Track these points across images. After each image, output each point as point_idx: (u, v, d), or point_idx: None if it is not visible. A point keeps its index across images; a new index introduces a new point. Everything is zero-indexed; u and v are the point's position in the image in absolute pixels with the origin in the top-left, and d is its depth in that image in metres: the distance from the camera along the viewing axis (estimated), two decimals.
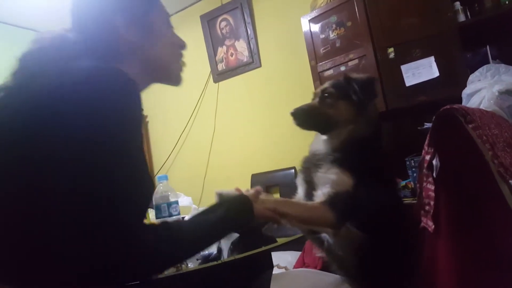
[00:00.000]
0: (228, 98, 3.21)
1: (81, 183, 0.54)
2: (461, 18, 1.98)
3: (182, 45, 0.87)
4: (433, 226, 0.69)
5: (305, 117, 1.11)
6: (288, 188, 2.49)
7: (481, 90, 1.80)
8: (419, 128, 1.98)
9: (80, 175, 0.54)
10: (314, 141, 1.15)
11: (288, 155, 2.77)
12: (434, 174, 0.70)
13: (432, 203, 0.70)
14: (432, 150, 0.71)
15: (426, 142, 0.74)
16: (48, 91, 0.59)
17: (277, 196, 2.80)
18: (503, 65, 1.84)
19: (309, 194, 1.02)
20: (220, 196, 0.96)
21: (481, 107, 1.78)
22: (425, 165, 0.73)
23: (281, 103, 2.90)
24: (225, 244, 1.44)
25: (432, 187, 0.70)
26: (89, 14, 0.75)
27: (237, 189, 0.92)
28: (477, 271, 0.64)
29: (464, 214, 0.67)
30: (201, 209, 0.84)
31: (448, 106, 0.69)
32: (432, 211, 0.70)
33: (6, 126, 0.60)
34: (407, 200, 1.98)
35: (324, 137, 1.10)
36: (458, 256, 0.66)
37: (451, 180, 0.69)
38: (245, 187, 3.04)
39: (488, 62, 1.97)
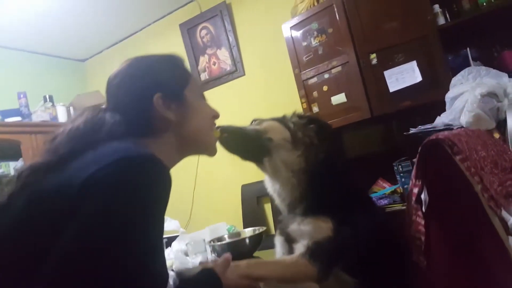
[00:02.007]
0: (213, 107, 3.16)
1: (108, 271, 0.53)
2: (441, 21, 1.99)
3: (215, 116, 0.87)
4: (425, 263, 0.67)
5: (230, 132, 1.02)
6: None
7: (464, 93, 1.81)
8: (405, 134, 1.97)
9: (107, 264, 0.53)
10: (273, 194, 1.08)
11: None
12: (423, 209, 0.68)
13: (422, 238, 0.68)
14: (420, 182, 0.69)
15: (413, 174, 0.72)
16: (84, 183, 0.57)
17: (268, 206, 2.79)
18: (483, 67, 1.85)
19: (289, 248, 0.99)
20: (180, 276, 0.89)
21: (465, 110, 1.79)
22: (414, 198, 0.71)
23: (267, 112, 2.84)
24: None
25: (422, 222, 0.69)
26: (126, 93, 0.76)
27: (202, 263, 0.85)
28: None
29: (455, 249, 0.65)
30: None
31: (433, 137, 0.68)
32: (423, 246, 0.68)
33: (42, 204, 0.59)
34: (397, 206, 1.98)
35: (277, 186, 1.03)
36: None
37: (441, 214, 0.67)
38: (236, 198, 3.02)
39: (468, 64, 1.98)
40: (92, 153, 0.63)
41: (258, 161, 1.06)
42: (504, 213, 0.65)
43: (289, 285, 0.91)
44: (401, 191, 2.08)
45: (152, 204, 0.58)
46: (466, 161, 0.65)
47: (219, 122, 0.92)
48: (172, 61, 0.83)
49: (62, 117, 3.12)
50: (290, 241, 0.99)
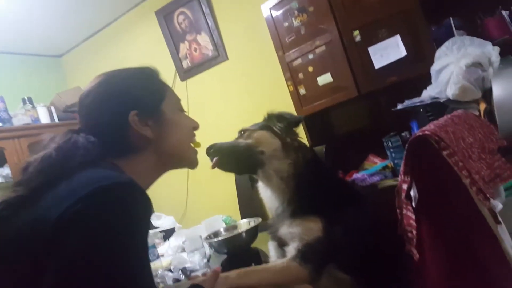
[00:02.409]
0: (199, 95, 3.11)
1: None
2: None
3: (195, 127, 0.85)
4: (418, 256, 0.68)
5: (222, 151, 1.04)
6: None
7: (449, 65, 1.80)
8: (392, 109, 1.97)
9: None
10: (263, 197, 1.10)
11: None
12: (413, 204, 0.68)
13: (414, 232, 0.69)
14: (409, 178, 0.69)
15: (402, 169, 0.71)
16: (58, 219, 0.54)
17: None
18: (467, 37, 1.83)
19: (281, 252, 1.00)
20: None
21: (451, 82, 1.78)
22: (403, 194, 0.71)
23: (253, 95, 2.84)
24: (215, 263, 1.42)
25: (413, 216, 0.69)
26: (100, 113, 0.73)
27: (191, 278, 0.85)
28: None
29: (447, 241, 0.66)
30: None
31: (420, 133, 0.67)
32: (415, 240, 0.69)
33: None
34: (388, 182, 2.01)
35: (268, 189, 1.05)
36: (446, 282, 0.65)
37: (431, 208, 0.67)
38: (230, 186, 3.02)
39: (452, 34, 1.96)
40: (65, 184, 0.60)
41: (253, 173, 1.08)
42: (493, 202, 0.65)
43: None
44: (392, 166, 2.10)
45: (132, 232, 0.57)
46: (454, 155, 0.64)
47: (199, 131, 0.90)
48: (146, 74, 0.80)
49: (44, 119, 3.04)
50: (282, 244, 1.00)
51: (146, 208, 0.61)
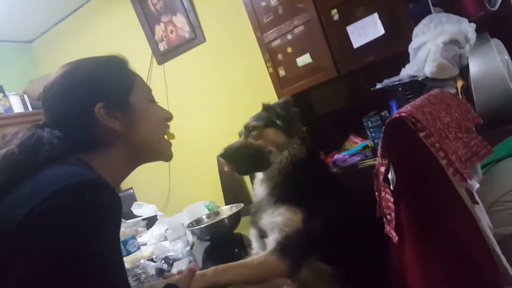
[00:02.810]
0: (177, 79, 3.03)
1: None
2: None
3: (168, 118, 0.82)
4: (397, 238, 0.69)
5: (237, 155, 1.05)
6: None
7: (426, 43, 1.80)
8: (371, 89, 1.97)
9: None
10: (254, 188, 1.10)
11: None
12: (391, 187, 0.68)
13: (393, 214, 0.69)
14: (386, 161, 0.69)
15: (379, 152, 0.71)
16: (22, 221, 0.52)
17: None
18: (444, 14, 1.83)
19: (263, 243, 0.99)
20: None
21: (428, 60, 1.79)
22: (381, 177, 0.71)
23: (233, 78, 2.79)
24: (198, 250, 1.42)
25: (391, 199, 0.69)
26: (64, 106, 0.69)
27: (165, 276, 0.83)
28: (443, 276, 0.65)
29: (425, 222, 0.66)
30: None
31: (396, 115, 0.66)
32: (394, 222, 0.69)
33: None
34: (369, 161, 2.03)
35: (260, 176, 1.06)
36: (424, 264, 0.66)
37: (409, 190, 0.67)
38: (214, 170, 2.99)
39: (430, 11, 1.95)
40: (30, 182, 0.58)
41: (262, 171, 1.08)
42: (470, 182, 0.66)
43: (260, 286, 0.91)
44: (372, 145, 2.12)
45: (98, 231, 0.55)
46: (430, 137, 0.64)
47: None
48: (112, 64, 0.76)
49: (17, 108, 2.93)
50: (262, 235, 1.00)
51: (113, 206, 0.59)
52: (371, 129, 2.08)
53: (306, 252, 0.89)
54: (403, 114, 0.64)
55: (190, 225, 1.43)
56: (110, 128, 0.70)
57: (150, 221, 1.96)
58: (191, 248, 1.40)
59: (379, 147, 0.70)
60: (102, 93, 0.70)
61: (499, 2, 1.77)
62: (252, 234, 1.06)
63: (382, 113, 2.12)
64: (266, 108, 1.12)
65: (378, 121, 2.06)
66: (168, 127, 0.83)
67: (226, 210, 1.50)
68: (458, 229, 0.64)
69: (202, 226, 1.35)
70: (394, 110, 2.11)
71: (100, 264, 0.53)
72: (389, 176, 0.67)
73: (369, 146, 2.15)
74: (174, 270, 1.14)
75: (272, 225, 0.93)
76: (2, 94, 2.89)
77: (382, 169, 0.70)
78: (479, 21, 1.74)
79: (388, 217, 0.71)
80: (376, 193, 0.75)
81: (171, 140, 0.84)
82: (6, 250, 0.51)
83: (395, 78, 1.93)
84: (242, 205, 1.42)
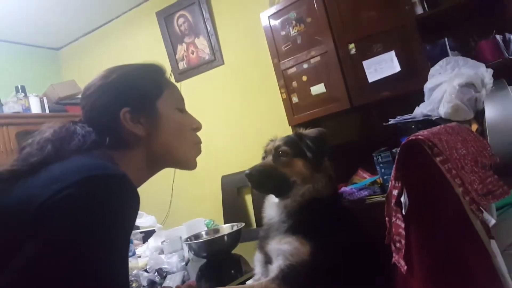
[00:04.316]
0: (191, 97, 3.06)
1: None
2: (419, 10, 1.97)
3: (196, 127, 0.84)
4: (406, 267, 0.65)
5: (261, 178, 1.06)
6: None
7: (442, 84, 1.81)
8: (384, 124, 1.97)
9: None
10: (266, 207, 1.09)
11: (259, 154, 2.71)
12: (403, 211, 0.66)
13: (403, 242, 0.66)
14: (399, 184, 0.67)
15: (393, 175, 0.69)
16: (45, 202, 0.53)
17: (249, 197, 2.76)
18: (461, 57, 1.85)
19: (266, 269, 0.97)
20: None
21: (443, 101, 1.79)
22: (393, 200, 0.68)
23: (246, 101, 2.82)
24: (193, 268, 1.37)
25: (402, 225, 0.66)
26: (95, 106, 0.74)
27: (164, 287, 0.82)
28: None
29: (437, 253, 0.63)
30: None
31: (413, 137, 0.65)
32: (403, 250, 0.66)
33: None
34: (377, 197, 1.99)
35: (276, 200, 1.06)
36: None
37: (421, 217, 0.65)
38: (216, 190, 2.98)
39: (446, 54, 1.98)
40: (58, 166, 0.60)
41: (280, 197, 1.08)
42: (486, 215, 0.63)
43: None
44: (381, 181, 2.08)
45: (117, 225, 0.55)
46: (447, 162, 0.62)
47: (202, 131, 0.87)
48: (145, 71, 0.79)
49: (35, 108, 2.98)
50: (267, 261, 0.98)
51: (134, 204, 0.60)
52: (381, 165, 2.06)
53: (307, 285, 0.86)
54: (420, 137, 0.63)
55: (188, 239, 1.40)
56: (132, 132, 0.72)
57: (147, 235, 1.92)
58: (186, 264, 1.35)
59: (392, 170, 0.69)
60: (129, 98, 0.73)
61: None
62: (257, 259, 1.04)
63: (393, 150, 2.10)
64: (299, 135, 1.12)
65: (389, 157, 2.03)
66: (196, 136, 0.84)
67: (227, 228, 1.46)
68: (472, 264, 0.61)
69: (201, 240, 1.31)
70: None
71: (108, 257, 0.53)
72: (402, 199, 0.65)
73: (378, 182, 2.11)
74: (167, 282, 1.10)
75: (278, 252, 0.92)
76: (23, 94, 2.96)
77: (395, 192, 0.68)
78: (496, 67, 1.76)
79: (398, 244, 0.68)
80: (387, 218, 0.72)
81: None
82: (23, 228, 0.52)
83: (408, 116, 1.93)
84: (243, 224, 1.39)
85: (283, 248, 0.91)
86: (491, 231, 0.71)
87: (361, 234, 1.01)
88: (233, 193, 2.75)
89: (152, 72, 0.80)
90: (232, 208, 2.72)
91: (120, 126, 0.71)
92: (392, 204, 0.69)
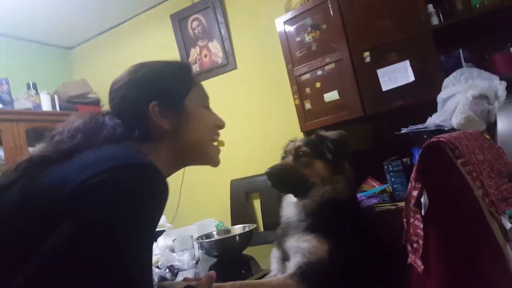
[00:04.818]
0: None
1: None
2: (434, 21, 1.98)
3: (219, 125, 0.86)
4: (422, 267, 0.66)
5: (281, 178, 1.08)
6: (269, 194, 2.46)
7: (456, 95, 1.82)
8: (396, 133, 1.97)
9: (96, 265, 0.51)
10: (284, 206, 1.11)
11: (268, 159, 2.68)
12: (422, 212, 0.66)
13: (421, 242, 0.67)
14: (420, 185, 0.68)
15: (413, 176, 0.70)
16: (79, 185, 0.55)
17: (257, 202, 2.77)
18: (475, 69, 1.86)
19: (282, 266, 0.98)
20: None
21: (456, 111, 1.79)
22: (413, 201, 0.69)
23: (258, 106, 2.84)
24: (203, 267, 1.38)
25: (421, 225, 0.67)
26: (124, 99, 0.76)
27: (186, 279, 0.84)
28: None
29: (454, 254, 0.64)
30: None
31: (435, 139, 0.66)
32: (421, 250, 0.66)
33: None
34: (386, 206, 1.98)
35: (294, 200, 1.07)
36: None
37: (440, 218, 0.66)
38: (225, 193, 2.98)
39: (461, 65, 1.99)
40: (91, 153, 0.62)
41: (299, 196, 1.09)
42: (503, 219, 0.64)
43: None
44: (390, 190, 2.08)
45: (147, 215, 0.57)
46: (468, 165, 0.63)
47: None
48: (174, 68, 0.82)
49: (46, 106, 3.02)
50: (284, 258, 0.99)
51: (165, 195, 0.61)
52: (392, 174, 2.05)
53: (324, 283, 0.87)
54: (442, 139, 0.64)
55: (200, 238, 1.41)
56: (159, 126, 0.74)
57: (156, 235, 1.94)
58: (196, 263, 1.36)
59: (413, 171, 0.70)
60: (158, 93, 0.75)
61: None
62: (273, 255, 1.05)
63: (404, 160, 2.10)
64: (319, 137, 1.13)
65: (399, 166, 2.03)
66: (218, 134, 0.86)
67: (238, 229, 1.47)
68: (488, 266, 0.61)
69: (212, 239, 1.32)
70: (415, 157, 2.10)
71: (136, 243, 0.55)
72: (422, 200, 0.65)
73: (387, 190, 2.11)
74: (179, 279, 1.11)
75: (296, 249, 0.93)
76: (34, 91, 3.00)
77: (415, 193, 0.69)
78: (510, 80, 1.76)
79: (415, 245, 0.69)
80: (404, 219, 0.73)
81: (220, 147, 0.86)
82: (57, 208, 0.54)
83: (420, 125, 1.93)
84: (255, 225, 1.40)
85: (301, 246, 0.92)
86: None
87: (376, 236, 1.02)
88: (241, 197, 2.76)
89: (180, 69, 0.83)
90: (240, 212, 2.72)
91: (148, 119, 0.73)
92: (411, 204, 0.70)
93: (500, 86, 1.75)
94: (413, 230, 0.70)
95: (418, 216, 0.68)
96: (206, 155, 0.82)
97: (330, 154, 1.05)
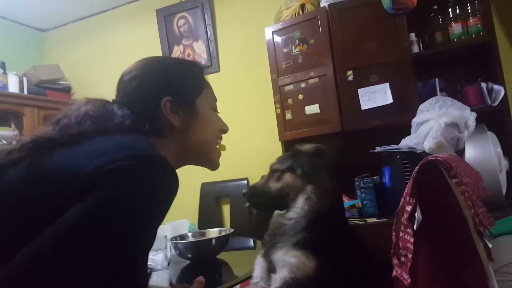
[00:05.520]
0: None
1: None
2: (415, 49, 2.10)
3: (223, 129, 0.86)
4: (409, 280, 0.68)
5: (256, 196, 1.13)
6: (239, 200, 2.44)
7: (430, 120, 1.92)
8: (370, 151, 2.04)
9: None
10: (273, 217, 1.13)
11: (240, 165, 2.71)
12: (414, 227, 0.69)
13: (410, 256, 0.69)
14: (414, 201, 0.70)
15: (407, 192, 0.73)
16: (95, 170, 0.54)
17: (227, 207, 2.74)
18: (449, 98, 1.97)
19: (267, 276, 0.99)
20: None
21: (429, 136, 1.89)
22: (406, 215, 0.72)
23: (239, 111, 2.83)
24: (174, 269, 1.34)
25: (411, 239, 0.70)
26: (137, 91, 0.75)
27: (173, 285, 0.83)
28: None
29: (442, 268, 0.66)
30: None
31: (432, 157, 0.69)
32: (409, 264, 0.69)
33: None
34: (355, 221, 2.04)
35: (280, 212, 1.09)
36: None
37: (430, 233, 0.68)
38: (194, 196, 2.92)
39: (435, 93, 2.11)
40: (103, 140, 0.61)
41: (282, 209, 1.12)
42: (486, 240, 0.68)
43: None
44: (359, 206, 2.14)
45: (158, 207, 0.57)
46: (461, 185, 0.67)
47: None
48: (190, 67, 0.83)
49: (13, 87, 2.84)
50: (270, 269, 0.99)
51: (176, 187, 0.61)
52: (362, 190, 2.12)
53: None
54: (439, 158, 0.68)
55: (174, 239, 1.37)
56: (169, 121, 0.74)
57: None
58: (168, 264, 1.32)
59: (407, 186, 0.72)
60: (172, 88, 0.75)
61: (499, 100, 1.93)
62: (258, 263, 1.05)
63: (375, 177, 2.18)
64: (295, 151, 1.16)
65: (371, 183, 2.10)
66: (221, 138, 0.86)
67: (214, 233, 1.45)
68: (472, 284, 0.65)
69: (188, 241, 1.29)
70: (386, 176, 2.18)
71: (143, 233, 0.55)
72: (416, 214, 0.68)
73: (356, 206, 2.17)
74: (154, 279, 1.07)
75: (283, 263, 0.94)
76: (2, 71, 2.82)
77: (408, 208, 0.71)
78: (478, 112, 1.89)
79: (403, 258, 0.71)
80: (394, 233, 0.76)
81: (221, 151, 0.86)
82: (68, 193, 0.53)
83: (394, 146, 2.02)
84: (232, 230, 1.38)
85: (289, 260, 0.94)
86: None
87: (364, 251, 1.04)
88: (211, 201, 2.72)
89: (194, 68, 0.84)
90: (208, 216, 2.68)
91: (159, 114, 0.73)
92: (403, 219, 0.72)
93: (470, 117, 1.87)
94: (403, 244, 0.72)
95: (409, 230, 0.70)
96: (209, 157, 0.82)
97: (299, 170, 1.08)
